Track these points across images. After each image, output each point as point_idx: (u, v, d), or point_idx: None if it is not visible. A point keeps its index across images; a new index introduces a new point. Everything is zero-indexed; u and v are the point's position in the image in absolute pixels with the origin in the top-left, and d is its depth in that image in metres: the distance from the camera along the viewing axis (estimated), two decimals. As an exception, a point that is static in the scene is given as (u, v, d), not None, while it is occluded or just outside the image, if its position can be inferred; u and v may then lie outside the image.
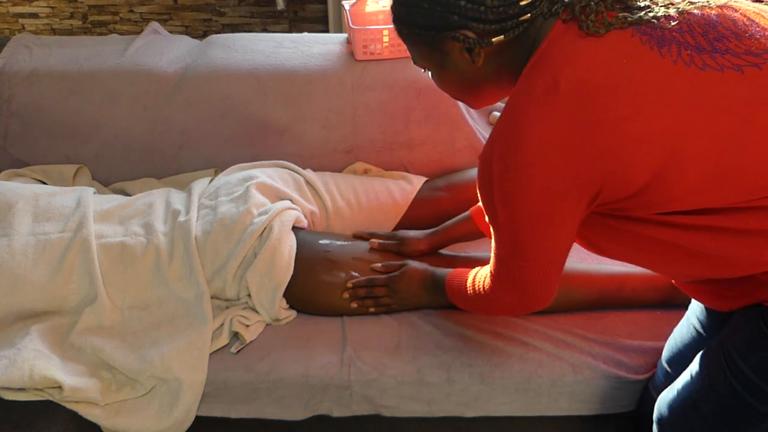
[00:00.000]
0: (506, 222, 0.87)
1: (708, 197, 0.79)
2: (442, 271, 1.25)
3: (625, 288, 1.31)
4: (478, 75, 0.90)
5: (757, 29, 0.78)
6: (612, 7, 0.81)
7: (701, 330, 1.06)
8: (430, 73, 0.96)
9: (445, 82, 0.95)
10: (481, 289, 1.04)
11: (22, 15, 2.66)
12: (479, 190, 0.90)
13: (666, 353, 1.14)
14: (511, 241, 0.90)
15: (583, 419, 1.28)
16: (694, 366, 0.99)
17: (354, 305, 1.31)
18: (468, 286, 1.09)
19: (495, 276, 0.98)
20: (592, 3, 0.81)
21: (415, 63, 0.95)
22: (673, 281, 1.09)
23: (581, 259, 1.44)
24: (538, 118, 0.78)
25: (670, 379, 1.10)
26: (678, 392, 1.01)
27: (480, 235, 1.33)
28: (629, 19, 0.79)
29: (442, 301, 1.23)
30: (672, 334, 1.14)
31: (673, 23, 0.78)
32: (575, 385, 1.22)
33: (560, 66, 0.78)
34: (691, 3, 0.81)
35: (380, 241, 1.38)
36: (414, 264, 1.30)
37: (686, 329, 1.09)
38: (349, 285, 1.31)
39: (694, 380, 0.98)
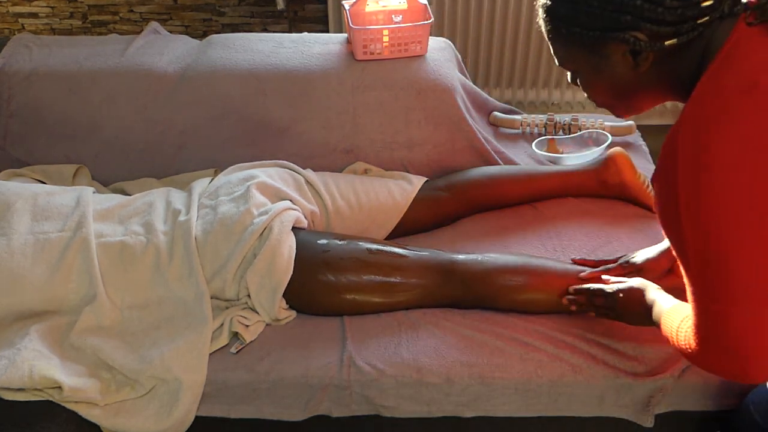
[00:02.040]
0: (699, 250, 0.75)
1: None
2: (659, 295, 1.05)
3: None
4: (637, 81, 0.84)
5: None
6: None
7: None
8: (569, 74, 0.91)
9: (596, 86, 0.88)
10: (689, 346, 0.86)
11: (22, 15, 2.66)
12: (660, 214, 0.80)
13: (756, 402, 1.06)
14: (709, 279, 0.76)
15: (583, 420, 1.28)
16: None
17: (573, 308, 1.24)
18: (675, 335, 0.91)
19: (697, 328, 0.82)
20: None
21: (560, 64, 0.89)
22: None
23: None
24: (735, 116, 0.71)
25: None
26: None
27: None
28: None
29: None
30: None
31: None
32: (575, 386, 1.22)
33: (757, 67, 0.73)
34: None
35: (614, 276, 1.23)
36: (636, 284, 1.12)
37: None
38: (571, 290, 1.24)
39: None
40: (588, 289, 1.21)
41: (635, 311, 1.10)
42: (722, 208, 0.72)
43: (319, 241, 1.36)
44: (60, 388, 1.17)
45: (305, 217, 1.44)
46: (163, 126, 1.69)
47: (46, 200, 1.41)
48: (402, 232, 1.55)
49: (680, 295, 0.91)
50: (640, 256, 1.27)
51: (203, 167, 1.69)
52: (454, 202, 1.58)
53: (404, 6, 1.71)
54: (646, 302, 1.07)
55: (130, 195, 1.60)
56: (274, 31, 2.61)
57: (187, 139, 1.69)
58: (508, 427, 1.30)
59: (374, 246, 1.36)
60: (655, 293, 1.07)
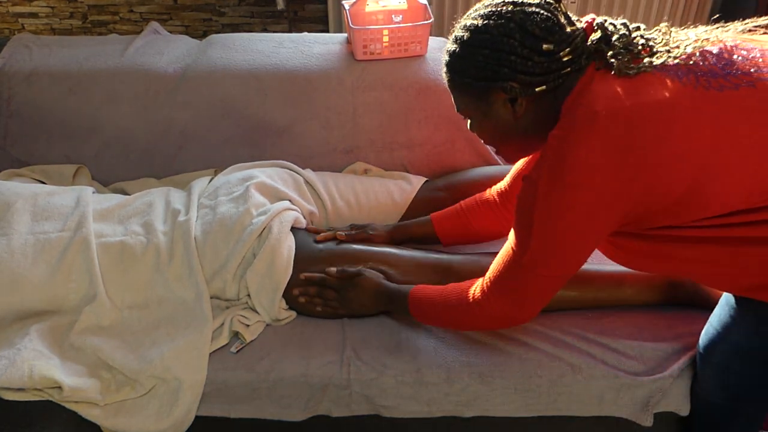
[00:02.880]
0: (541, 233, 0.95)
1: (735, 199, 0.89)
2: (396, 285, 1.27)
3: (624, 286, 1.31)
4: (516, 126, 1.00)
5: (750, 49, 0.91)
6: (638, 55, 0.92)
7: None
8: (469, 122, 1.07)
9: (484, 130, 1.05)
10: (467, 298, 1.09)
11: (22, 15, 2.66)
12: (519, 201, 0.98)
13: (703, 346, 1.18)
14: (539, 251, 0.97)
15: (583, 420, 1.28)
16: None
17: (302, 300, 1.31)
18: (448, 297, 1.14)
19: (496, 283, 1.05)
20: (623, 50, 0.92)
21: (458, 111, 1.06)
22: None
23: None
24: (581, 144, 0.88)
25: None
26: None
27: (435, 240, 1.41)
28: (654, 63, 0.90)
29: (397, 313, 1.29)
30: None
31: (690, 60, 0.90)
32: (574, 386, 1.22)
33: (596, 99, 0.89)
34: (697, 41, 0.93)
35: (347, 232, 1.41)
36: (369, 274, 1.29)
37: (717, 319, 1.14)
38: (302, 277, 1.31)
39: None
40: (320, 278, 1.31)
41: (365, 300, 1.28)
42: (564, 211, 0.91)
43: (317, 242, 1.37)
44: (60, 388, 1.17)
45: (304, 218, 1.44)
46: (163, 126, 1.69)
47: (46, 200, 1.41)
48: (402, 232, 1.55)
49: None
50: (376, 226, 1.45)
51: (203, 167, 1.69)
52: (453, 202, 1.57)
53: (404, 6, 1.71)
54: (380, 289, 1.27)
55: (130, 195, 1.60)
56: (274, 31, 2.62)
57: (187, 139, 1.69)
58: (508, 427, 1.30)
59: (372, 246, 1.36)
60: (385, 282, 1.28)
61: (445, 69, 1.03)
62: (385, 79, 1.65)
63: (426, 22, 1.64)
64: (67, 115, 1.68)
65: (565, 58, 0.93)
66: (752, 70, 0.88)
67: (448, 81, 1.03)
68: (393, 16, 1.71)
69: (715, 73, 0.88)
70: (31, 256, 1.30)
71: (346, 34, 1.79)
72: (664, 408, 1.25)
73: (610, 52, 0.93)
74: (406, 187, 1.57)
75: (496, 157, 1.70)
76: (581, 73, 0.94)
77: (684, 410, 1.24)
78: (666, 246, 0.97)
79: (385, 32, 1.63)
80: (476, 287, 1.09)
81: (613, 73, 0.91)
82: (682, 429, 1.30)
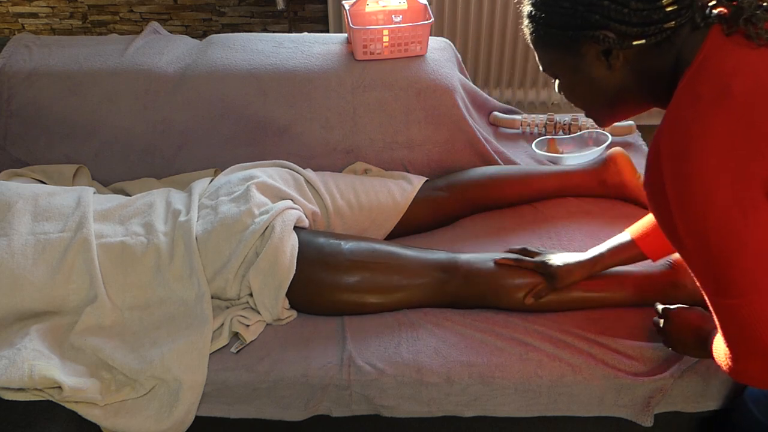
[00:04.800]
0: (698, 251, 0.78)
1: None
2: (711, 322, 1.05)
3: (626, 287, 1.31)
4: (613, 82, 0.87)
5: None
6: None
7: None
8: (557, 82, 0.94)
9: (574, 89, 0.92)
10: (725, 360, 0.87)
11: (22, 15, 2.66)
12: (658, 220, 0.83)
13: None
14: (711, 275, 0.79)
15: (583, 420, 1.28)
16: None
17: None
18: (716, 355, 0.92)
19: (722, 329, 0.83)
20: (758, 12, 0.78)
21: (544, 70, 0.93)
22: None
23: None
24: (711, 124, 0.75)
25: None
26: None
27: (643, 258, 1.22)
28: None
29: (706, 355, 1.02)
30: None
31: None
32: (574, 386, 1.22)
33: (730, 72, 0.76)
34: None
35: (520, 257, 1.30)
36: (687, 309, 1.12)
37: None
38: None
39: None
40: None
41: (686, 338, 1.09)
42: (709, 212, 0.75)
43: (321, 241, 1.36)
44: (60, 388, 1.17)
45: (306, 217, 1.44)
46: (163, 126, 1.69)
47: (46, 201, 1.41)
48: (402, 232, 1.55)
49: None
50: (557, 259, 1.29)
51: (203, 167, 1.69)
52: (453, 202, 1.58)
53: (404, 6, 1.71)
54: (702, 329, 1.05)
55: (130, 195, 1.60)
56: (274, 31, 2.62)
57: (187, 139, 1.69)
58: (508, 427, 1.30)
59: (376, 246, 1.36)
60: (705, 319, 1.06)
61: (526, 21, 0.89)
62: (385, 79, 1.65)
63: (426, 22, 1.64)
64: (67, 115, 1.68)
65: (669, 8, 0.80)
66: None
67: (531, 34, 0.90)
68: (393, 16, 1.71)
69: None
70: (31, 257, 1.30)
71: (346, 34, 1.79)
72: (664, 408, 1.25)
73: (743, 16, 0.78)
74: (407, 186, 1.57)
75: (496, 157, 1.70)
76: (702, 38, 0.80)
77: (688, 410, 1.24)
78: None
79: (385, 32, 1.63)
80: (722, 353, 0.87)
81: (747, 40, 0.77)
82: (682, 429, 1.30)
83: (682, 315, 1.11)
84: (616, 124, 1.81)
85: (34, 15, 2.67)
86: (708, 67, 0.78)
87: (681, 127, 0.78)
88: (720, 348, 0.88)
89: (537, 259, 1.31)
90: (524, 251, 1.36)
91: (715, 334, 0.93)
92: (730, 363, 0.85)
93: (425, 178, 1.62)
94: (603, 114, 0.94)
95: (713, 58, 0.78)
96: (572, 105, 2.63)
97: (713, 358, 0.94)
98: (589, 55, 0.86)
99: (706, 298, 0.83)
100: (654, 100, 0.89)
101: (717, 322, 0.83)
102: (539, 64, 0.93)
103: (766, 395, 1.06)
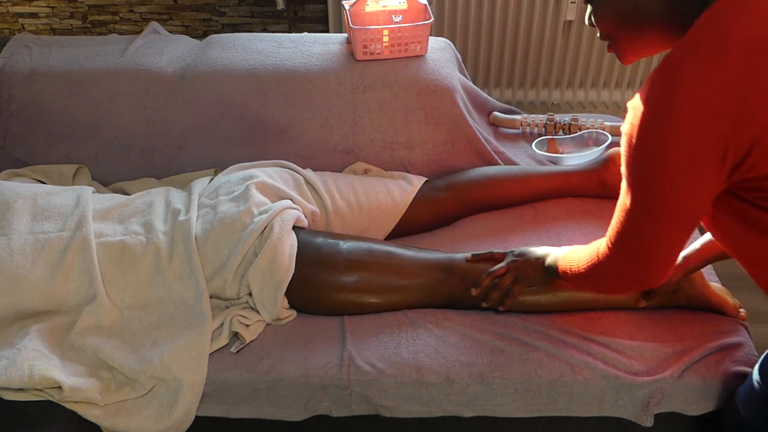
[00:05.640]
0: (644, 176, 0.85)
1: None
2: (546, 250, 1.25)
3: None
4: (638, 12, 0.87)
5: None
6: None
7: None
8: (588, 10, 0.95)
9: (605, 16, 0.91)
10: (595, 257, 1.02)
11: (22, 15, 2.66)
12: (624, 135, 0.87)
13: (759, 364, 1.09)
14: (645, 198, 0.87)
15: (582, 420, 1.28)
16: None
17: (484, 305, 1.30)
18: (585, 255, 1.06)
19: (616, 239, 0.95)
20: None
21: None
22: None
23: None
24: (697, 72, 0.76)
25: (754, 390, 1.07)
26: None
27: (728, 256, 1.20)
28: None
29: (552, 279, 1.23)
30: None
31: None
32: (574, 386, 1.22)
33: (733, 20, 0.76)
34: None
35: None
36: (522, 249, 1.30)
37: None
38: (476, 289, 1.29)
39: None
40: (488, 273, 1.29)
41: (535, 272, 1.25)
42: (665, 149, 0.81)
43: (319, 241, 1.36)
44: (60, 388, 1.17)
45: (305, 217, 1.44)
46: (163, 126, 1.69)
47: (46, 200, 1.41)
48: (402, 232, 1.55)
49: None
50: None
51: (203, 167, 1.69)
52: (453, 202, 1.58)
53: (404, 6, 1.71)
54: (540, 257, 1.24)
55: (130, 195, 1.60)
56: (274, 31, 2.62)
57: (187, 139, 1.69)
58: (508, 427, 1.30)
59: (374, 246, 1.36)
60: (542, 249, 1.25)
61: None
62: (385, 79, 1.65)
63: (426, 22, 1.64)
64: (67, 115, 1.68)
65: None
66: None
67: None
68: (393, 16, 1.71)
69: None
70: (30, 256, 1.30)
71: (346, 34, 1.79)
72: (665, 408, 1.25)
73: None
74: (407, 187, 1.57)
75: (496, 157, 1.70)
76: None
77: (688, 410, 1.24)
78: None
79: (385, 32, 1.63)
80: (601, 245, 1.01)
81: None
82: (682, 429, 1.30)
83: (522, 258, 1.27)
84: (616, 124, 1.82)
85: (34, 15, 2.67)
86: (722, 12, 0.77)
87: (674, 64, 0.79)
88: (581, 253, 1.06)
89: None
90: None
91: (561, 255, 1.15)
92: (603, 261, 0.99)
93: (425, 179, 1.62)
94: (626, 46, 0.93)
95: (731, 5, 0.77)
96: (572, 105, 2.63)
97: (558, 270, 1.14)
98: None
99: (622, 214, 0.91)
100: (676, 36, 0.88)
101: (621, 225, 0.92)
102: None
103: (751, 395, 1.07)
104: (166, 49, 1.77)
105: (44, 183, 1.62)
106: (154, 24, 1.94)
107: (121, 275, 1.33)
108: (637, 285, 0.98)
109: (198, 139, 1.69)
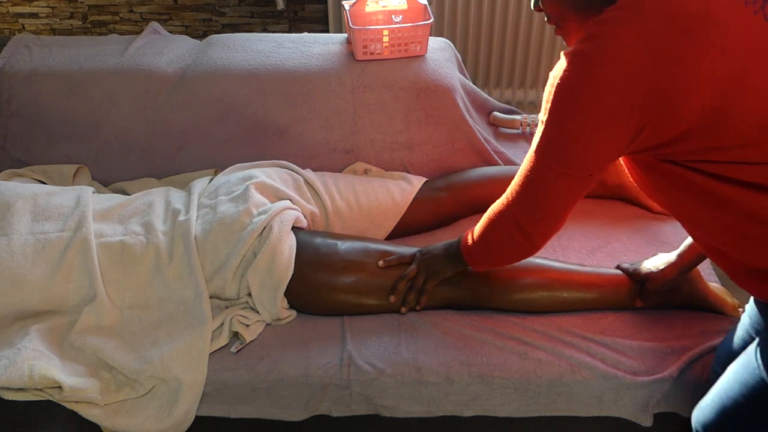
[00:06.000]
0: (553, 118, 0.90)
1: (753, 152, 0.82)
2: (449, 242, 1.30)
3: (622, 289, 1.31)
4: None
5: None
6: None
7: (752, 331, 1.04)
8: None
9: (552, 3, 0.95)
10: (490, 218, 1.10)
11: (22, 15, 2.66)
12: (550, 78, 0.91)
13: (717, 356, 1.13)
14: (550, 139, 0.93)
15: (582, 420, 1.28)
16: (733, 364, 0.99)
17: (403, 310, 1.32)
18: (481, 223, 1.13)
19: (515, 188, 1.01)
20: None
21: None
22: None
23: (581, 261, 1.44)
24: (618, 32, 0.82)
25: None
26: (714, 391, 1.01)
27: None
28: None
29: (459, 265, 1.27)
30: (725, 337, 1.13)
31: None
32: (574, 386, 1.22)
33: None
34: None
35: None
36: (427, 247, 1.33)
37: (738, 330, 1.08)
38: (393, 296, 1.31)
39: (729, 377, 0.98)
40: (401, 277, 1.31)
41: (442, 262, 1.28)
42: (577, 97, 0.86)
43: (318, 241, 1.36)
44: (60, 388, 1.17)
45: (305, 217, 1.44)
46: (163, 126, 1.69)
47: (46, 200, 1.41)
48: (401, 232, 1.55)
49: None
50: (646, 267, 1.30)
51: (203, 167, 1.69)
52: (453, 202, 1.58)
53: (404, 6, 1.71)
54: (443, 248, 1.29)
55: (130, 195, 1.60)
56: (274, 31, 2.62)
57: (187, 139, 1.69)
58: (508, 427, 1.30)
59: (372, 246, 1.36)
60: (444, 242, 1.30)
61: None
62: (385, 79, 1.65)
63: (426, 22, 1.64)
64: (67, 115, 1.68)
65: None
66: None
67: None
68: (393, 16, 1.71)
69: None
70: (31, 257, 1.30)
71: (346, 34, 1.79)
72: (664, 408, 1.25)
73: None
74: (406, 187, 1.57)
75: (496, 157, 1.71)
76: None
77: (686, 411, 1.24)
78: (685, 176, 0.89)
79: (385, 32, 1.63)
80: (497, 204, 1.08)
81: None
82: (682, 429, 1.30)
83: (428, 255, 1.30)
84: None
85: (34, 15, 2.67)
86: None
87: (603, 25, 0.84)
88: (479, 224, 1.13)
89: (630, 267, 1.33)
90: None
91: (462, 238, 1.21)
92: (490, 220, 1.09)
93: (425, 179, 1.62)
94: (574, 24, 0.95)
95: None
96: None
97: (461, 249, 1.21)
98: None
99: (530, 152, 0.96)
100: None
101: (528, 171, 0.97)
102: None
103: (725, 353, 1.09)
104: (166, 50, 1.78)
105: (44, 183, 1.62)
106: (154, 24, 1.94)
107: (121, 275, 1.33)
108: (525, 240, 1.05)
109: (198, 139, 1.69)
